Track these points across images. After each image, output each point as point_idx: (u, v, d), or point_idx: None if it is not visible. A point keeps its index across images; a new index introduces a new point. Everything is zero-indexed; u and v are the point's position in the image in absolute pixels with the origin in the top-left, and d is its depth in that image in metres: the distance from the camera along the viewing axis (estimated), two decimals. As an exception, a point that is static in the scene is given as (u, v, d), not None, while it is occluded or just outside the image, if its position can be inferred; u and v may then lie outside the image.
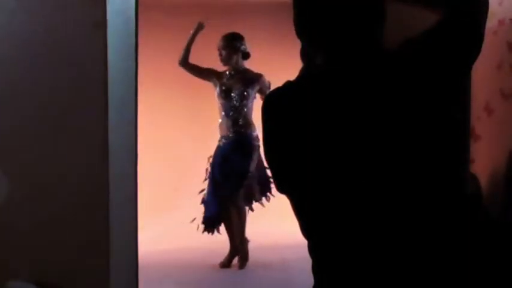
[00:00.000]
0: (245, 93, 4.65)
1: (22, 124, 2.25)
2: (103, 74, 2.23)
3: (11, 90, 2.23)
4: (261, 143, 4.60)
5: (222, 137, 4.73)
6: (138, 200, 2.34)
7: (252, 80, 4.69)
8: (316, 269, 1.45)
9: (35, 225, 2.26)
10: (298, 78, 1.48)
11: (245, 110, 4.67)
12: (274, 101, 1.46)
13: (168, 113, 6.10)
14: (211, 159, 4.77)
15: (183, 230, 5.26)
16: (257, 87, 4.69)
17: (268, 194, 4.79)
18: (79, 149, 2.26)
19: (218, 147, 4.75)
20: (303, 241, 1.48)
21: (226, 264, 4.78)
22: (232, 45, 4.66)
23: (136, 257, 2.35)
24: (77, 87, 2.25)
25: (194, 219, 4.74)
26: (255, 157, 4.65)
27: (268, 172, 4.60)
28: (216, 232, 4.74)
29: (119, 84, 2.24)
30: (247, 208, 4.79)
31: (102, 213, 2.27)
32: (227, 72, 4.72)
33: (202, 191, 4.79)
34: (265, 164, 4.61)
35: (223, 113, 4.70)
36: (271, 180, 4.59)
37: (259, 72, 4.75)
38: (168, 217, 5.72)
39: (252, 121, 4.69)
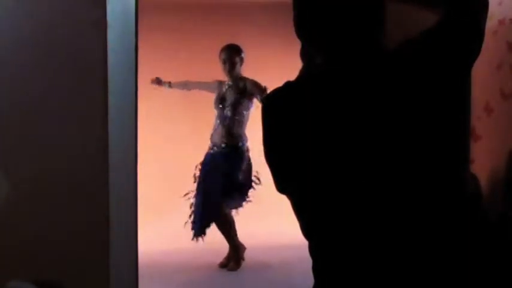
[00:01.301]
0: (240, 103, 4.70)
1: (22, 124, 2.24)
2: (103, 74, 2.23)
3: (11, 89, 2.23)
4: (250, 154, 4.69)
5: (213, 145, 4.76)
6: (138, 200, 2.34)
7: (249, 90, 4.73)
8: (316, 269, 1.45)
9: (35, 225, 2.26)
10: (298, 78, 1.48)
11: (239, 120, 4.71)
12: (274, 101, 1.46)
13: (168, 113, 6.10)
14: (199, 166, 4.79)
15: (182, 230, 5.26)
16: (254, 96, 4.72)
17: (243, 201, 4.80)
18: (79, 149, 2.26)
19: (209, 155, 4.78)
20: (303, 241, 1.48)
21: (225, 264, 4.79)
22: (238, 55, 4.75)
23: (136, 257, 2.35)
24: (77, 87, 2.25)
25: (186, 222, 4.75)
26: (243, 167, 4.68)
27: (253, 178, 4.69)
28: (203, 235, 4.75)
29: (119, 84, 2.24)
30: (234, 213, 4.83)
31: (102, 213, 2.27)
32: (226, 83, 4.78)
33: (187, 194, 4.79)
34: (253, 172, 4.68)
35: (217, 121, 4.75)
36: (251, 186, 4.71)
37: (255, 79, 4.77)
38: (167, 217, 5.71)
39: (244, 132, 4.72)
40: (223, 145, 4.70)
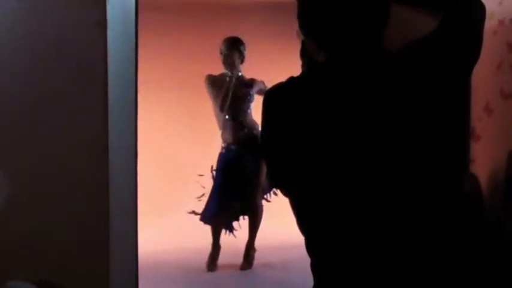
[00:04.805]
0: (248, 96, 4.66)
1: (22, 124, 2.25)
2: (103, 74, 2.23)
3: (11, 89, 2.23)
4: None
5: (227, 143, 4.69)
6: (138, 200, 2.34)
7: (249, 83, 4.70)
8: (314, 266, 1.45)
9: (35, 225, 2.26)
10: (301, 74, 1.48)
11: (248, 111, 4.68)
12: (275, 96, 1.45)
13: (167, 113, 6.10)
14: (214, 166, 4.73)
15: (183, 230, 5.27)
16: (255, 89, 4.70)
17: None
18: (79, 149, 2.26)
19: (222, 154, 4.71)
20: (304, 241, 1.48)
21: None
22: (240, 49, 4.68)
23: (136, 257, 2.35)
24: (77, 87, 2.25)
25: (193, 212, 4.72)
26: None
27: None
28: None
29: (119, 84, 2.24)
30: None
31: (102, 213, 2.27)
32: (227, 77, 4.67)
33: (202, 195, 4.77)
34: None
35: (226, 117, 4.65)
36: None
37: (252, 77, 4.75)
38: (167, 217, 5.72)
39: (255, 120, 4.67)
40: (238, 139, 4.64)
